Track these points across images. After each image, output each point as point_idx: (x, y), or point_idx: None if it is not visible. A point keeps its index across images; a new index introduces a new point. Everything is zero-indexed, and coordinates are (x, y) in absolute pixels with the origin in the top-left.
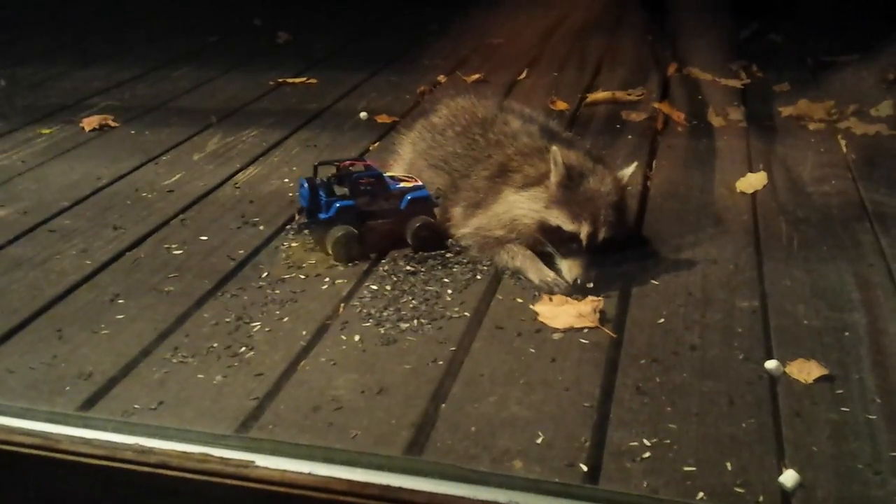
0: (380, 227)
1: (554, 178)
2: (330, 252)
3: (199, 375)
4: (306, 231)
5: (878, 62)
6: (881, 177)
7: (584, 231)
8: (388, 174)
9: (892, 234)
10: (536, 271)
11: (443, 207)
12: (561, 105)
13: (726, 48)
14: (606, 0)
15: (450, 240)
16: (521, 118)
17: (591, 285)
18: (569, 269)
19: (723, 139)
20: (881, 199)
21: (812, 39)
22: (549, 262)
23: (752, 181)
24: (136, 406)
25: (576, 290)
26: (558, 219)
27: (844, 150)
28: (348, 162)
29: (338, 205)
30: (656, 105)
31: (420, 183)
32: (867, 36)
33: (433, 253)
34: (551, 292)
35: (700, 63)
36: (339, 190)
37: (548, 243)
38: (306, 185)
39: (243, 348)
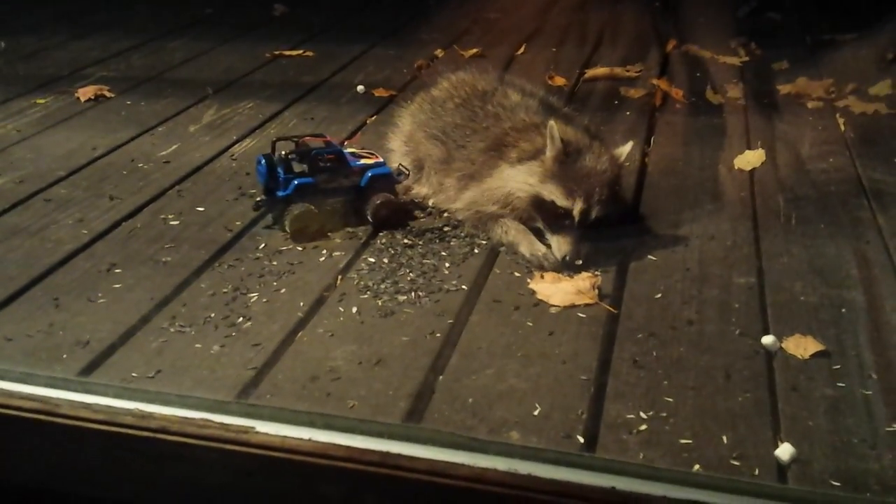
0: (340, 204)
1: (550, 152)
2: (287, 230)
3: (197, 345)
4: (264, 209)
5: (876, 41)
6: (879, 155)
7: (577, 207)
8: (348, 150)
9: (890, 212)
10: (528, 245)
11: (437, 178)
12: (559, 80)
13: (725, 25)
14: None
15: (445, 213)
16: (521, 92)
17: (580, 262)
18: (559, 245)
19: (721, 116)
20: (879, 178)
21: (811, 18)
22: (542, 237)
23: (751, 158)
24: (133, 374)
25: (565, 267)
26: (552, 193)
27: (843, 128)
28: (307, 138)
29: (296, 182)
30: (655, 81)
31: (381, 160)
32: (866, 15)
33: (431, 227)
34: (541, 267)
35: (699, 40)
36: (298, 167)
37: (539, 218)
38: (263, 161)
39: (241, 319)
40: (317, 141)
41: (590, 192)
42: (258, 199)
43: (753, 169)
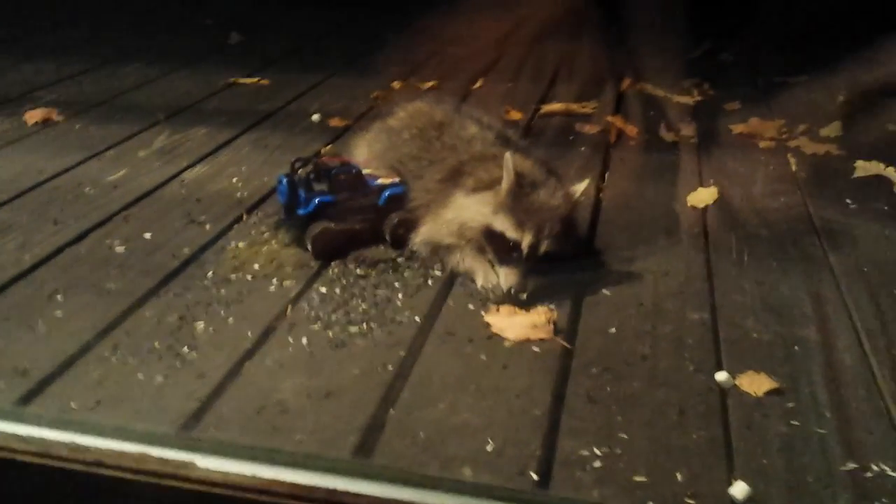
0: (359, 223)
1: (504, 184)
2: (309, 248)
3: (140, 375)
4: (284, 228)
5: (827, 84)
6: (829, 195)
7: (525, 240)
8: (365, 171)
9: (841, 251)
10: (482, 275)
11: None
12: (515, 115)
13: (679, 66)
14: (562, 13)
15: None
16: (477, 124)
17: (524, 296)
18: (505, 276)
19: (675, 154)
20: (829, 217)
21: (762, 60)
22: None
23: (704, 196)
24: (72, 405)
25: (510, 299)
26: (503, 225)
27: (794, 168)
28: (325, 157)
29: (317, 200)
30: (609, 118)
31: (398, 179)
32: (816, 57)
33: (384, 257)
34: (488, 298)
35: (653, 79)
36: (318, 186)
37: (489, 249)
38: (285, 181)
39: (186, 348)
40: (334, 160)
41: (540, 226)
42: (279, 218)
43: (706, 206)
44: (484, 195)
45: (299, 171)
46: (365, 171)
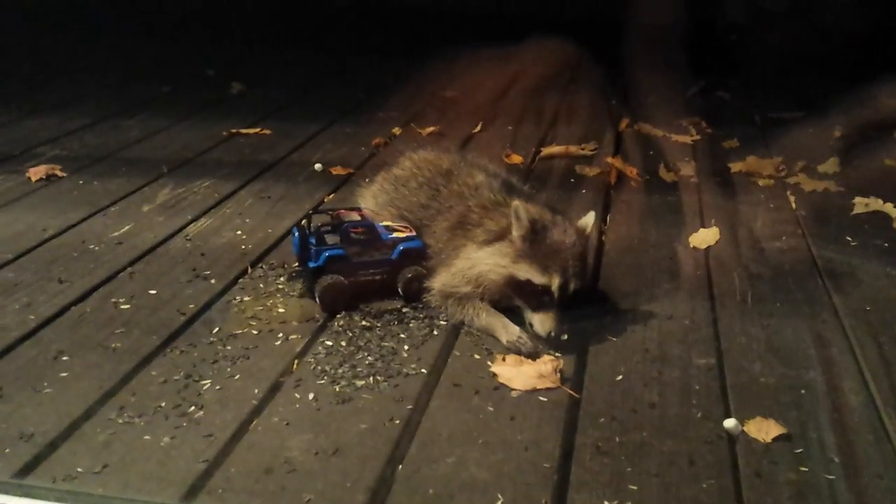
0: (371, 277)
1: (517, 231)
2: (318, 301)
3: (146, 437)
4: (299, 280)
5: (823, 120)
6: (830, 233)
7: (555, 283)
8: (382, 224)
9: (844, 291)
10: (503, 330)
11: None
12: (516, 158)
13: (676, 105)
14: (560, 57)
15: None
16: (483, 172)
17: (566, 337)
18: (541, 322)
19: (675, 194)
20: (831, 256)
21: (759, 97)
22: (518, 318)
23: (705, 236)
24: (79, 469)
25: (551, 345)
26: (528, 272)
27: (794, 206)
28: (342, 211)
29: (327, 253)
30: (609, 160)
31: (414, 233)
32: (812, 94)
33: (389, 308)
34: (519, 352)
35: (651, 119)
36: (331, 238)
37: (517, 298)
38: (297, 233)
39: (192, 408)
40: (352, 214)
41: (564, 267)
42: (293, 269)
43: (708, 247)
44: (499, 246)
45: (312, 223)
46: (382, 224)
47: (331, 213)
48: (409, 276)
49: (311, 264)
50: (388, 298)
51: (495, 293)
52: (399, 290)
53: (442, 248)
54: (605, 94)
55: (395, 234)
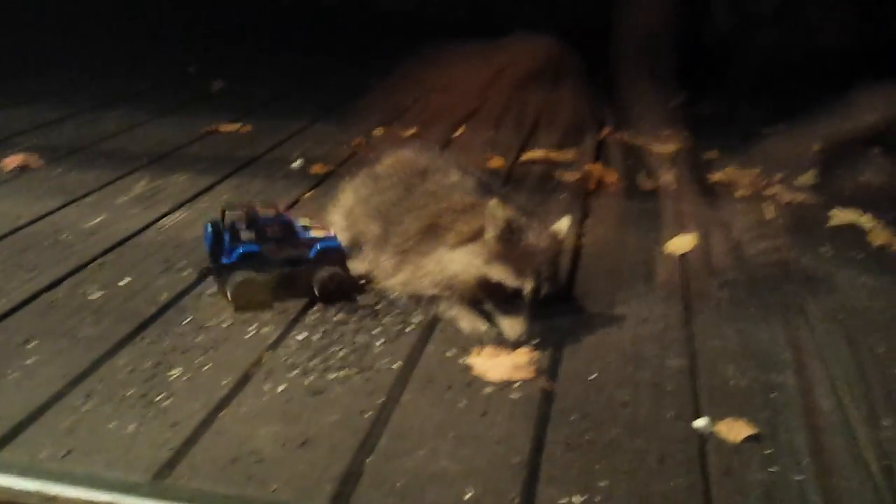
0: (285, 275)
1: (492, 233)
2: (229, 299)
3: (112, 424)
4: (210, 276)
5: (802, 133)
6: (806, 243)
7: (527, 286)
8: (301, 222)
9: (818, 298)
10: (469, 322)
11: (374, 254)
12: (497, 162)
13: (658, 115)
14: (543, 62)
15: (377, 289)
16: (460, 171)
17: (537, 340)
18: (510, 325)
19: (653, 201)
20: (806, 263)
21: (739, 110)
22: (488, 318)
23: (682, 243)
24: (42, 455)
25: (516, 346)
26: (500, 274)
27: (771, 215)
28: (259, 207)
29: (241, 250)
30: (589, 166)
31: (332, 233)
32: (792, 108)
33: (364, 303)
34: (481, 343)
35: (632, 128)
36: (246, 235)
37: (487, 299)
38: (210, 228)
39: (160, 396)
40: (268, 210)
41: (537, 271)
42: (204, 266)
43: (685, 253)
44: (471, 247)
45: (226, 218)
46: (300, 223)
47: (246, 208)
48: (325, 276)
49: (225, 260)
50: (302, 297)
51: (465, 294)
52: (315, 290)
53: (413, 246)
54: (587, 103)
55: (312, 233)
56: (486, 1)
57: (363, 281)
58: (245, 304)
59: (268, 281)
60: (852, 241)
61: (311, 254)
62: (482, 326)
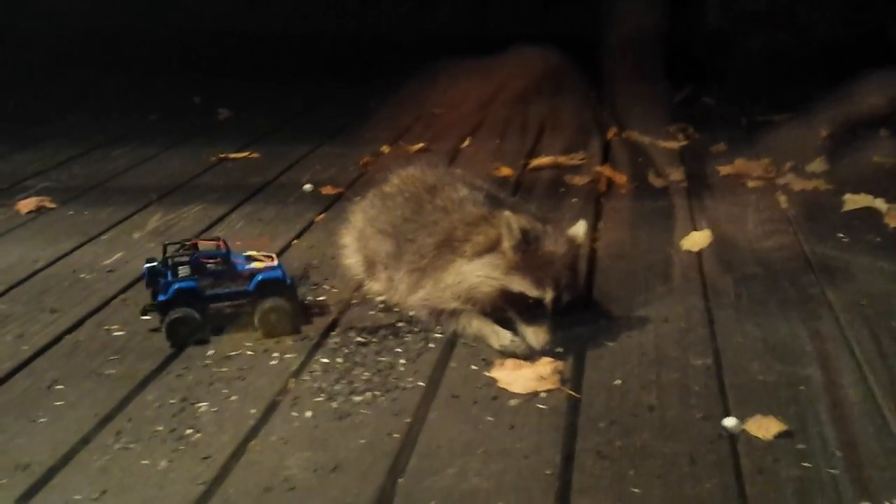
0: (225, 309)
1: (509, 243)
2: (165, 336)
3: (143, 461)
4: (149, 315)
5: (810, 120)
6: (822, 230)
7: (549, 296)
8: (246, 254)
9: (838, 286)
10: (495, 336)
11: (388, 273)
12: (505, 171)
13: (663, 111)
14: (544, 66)
15: (397, 309)
16: (468, 185)
17: (560, 350)
18: (534, 334)
19: (665, 199)
20: (824, 252)
21: (744, 101)
22: (510, 328)
23: (697, 239)
24: (76, 497)
25: (542, 355)
26: (521, 285)
27: (784, 205)
28: (199, 241)
29: (176, 286)
30: (598, 168)
31: (276, 263)
32: (797, 96)
33: (384, 323)
34: (514, 355)
35: (638, 126)
36: (184, 270)
37: (510, 310)
38: (146, 269)
39: (189, 430)
40: (209, 244)
41: (557, 279)
42: (146, 305)
43: (701, 249)
44: (489, 258)
45: (168, 256)
46: (244, 254)
47: (186, 243)
48: (266, 307)
49: (161, 297)
50: (247, 330)
51: (486, 306)
52: (255, 322)
53: (428, 263)
54: (591, 103)
55: (253, 265)
56: (484, 16)
57: (381, 303)
58: (271, 330)
59: (294, 307)
60: (867, 225)
61: (251, 286)
62: (508, 337)
